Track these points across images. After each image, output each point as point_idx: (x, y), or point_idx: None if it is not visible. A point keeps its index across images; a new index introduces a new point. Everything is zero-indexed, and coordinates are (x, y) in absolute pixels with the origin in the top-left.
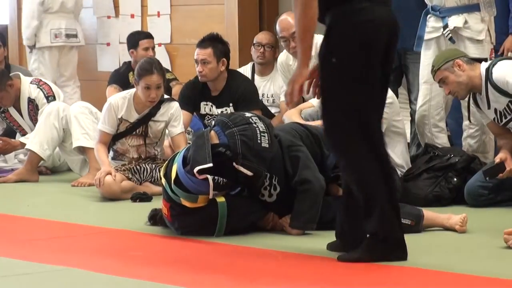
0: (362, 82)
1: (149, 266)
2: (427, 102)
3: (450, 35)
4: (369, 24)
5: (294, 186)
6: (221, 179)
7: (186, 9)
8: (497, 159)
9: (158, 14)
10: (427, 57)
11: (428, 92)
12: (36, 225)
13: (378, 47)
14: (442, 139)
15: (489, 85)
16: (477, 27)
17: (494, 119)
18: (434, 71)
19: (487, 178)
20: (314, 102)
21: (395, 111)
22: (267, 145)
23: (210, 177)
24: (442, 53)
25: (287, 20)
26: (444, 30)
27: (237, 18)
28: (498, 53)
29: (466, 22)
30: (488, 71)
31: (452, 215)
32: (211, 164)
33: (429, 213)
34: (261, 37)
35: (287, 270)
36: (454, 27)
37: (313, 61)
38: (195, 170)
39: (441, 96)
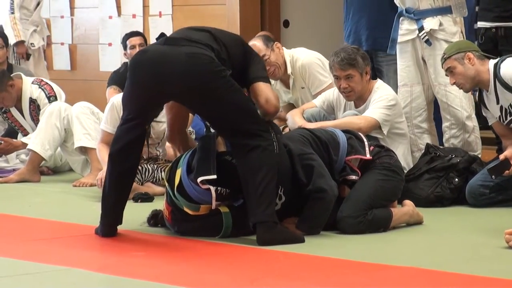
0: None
1: (150, 266)
2: (408, 104)
3: (427, 37)
4: (131, 61)
5: (308, 193)
6: (224, 189)
7: (187, 9)
8: (501, 157)
9: (160, 14)
10: (404, 60)
11: (408, 94)
12: (37, 225)
13: (136, 83)
14: (425, 140)
15: (496, 81)
16: (451, 29)
17: (499, 117)
18: (444, 58)
19: (492, 176)
20: (317, 102)
21: (397, 112)
22: None
23: (212, 188)
24: (456, 43)
25: (254, 46)
26: (420, 32)
27: (238, 18)
28: None
29: (441, 24)
30: (496, 66)
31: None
32: (215, 176)
33: (397, 214)
34: None
35: (287, 270)
36: (430, 30)
37: (292, 78)
38: (199, 180)
39: (422, 98)
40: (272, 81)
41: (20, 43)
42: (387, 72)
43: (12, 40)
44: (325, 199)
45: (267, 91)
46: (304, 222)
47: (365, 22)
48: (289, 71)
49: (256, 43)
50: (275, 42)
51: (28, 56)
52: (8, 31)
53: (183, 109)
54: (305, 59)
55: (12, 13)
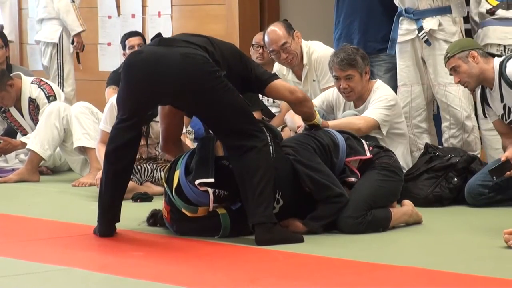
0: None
1: (149, 266)
2: (407, 104)
3: (426, 37)
4: (125, 62)
5: (327, 198)
6: (222, 191)
7: (187, 9)
8: (502, 158)
9: (159, 14)
10: (403, 60)
11: (408, 94)
12: (37, 225)
13: (130, 84)
14: (425, 140)
15: (502, 79)
16: (451, 29)
17: (501, 115)
18: (448, 57)
19: (494, 177)
20: (316, 102)
21: (397, 113)
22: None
23: (210, 190)
24: (459, 41)
25: (275, 32)
26: (419, 32)
27: (237, 18)
28: None
29: (440, 24)
30: (502, 65)
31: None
32: (212, 180)
33: (396, 214)
34: (260, 37)
35: (287, 270)
36: (430, 29)
37: (306, 68)
38: (196, 182)
39: (421, 97)
40: (285, 71)
41: (79, 33)
42: (377, 72)
43: (77, 29)
44: (342, 202)
45: (285, 85)
46: (315, 220)
47: (357, 26)
48: (304, 61)
49: (278, 30)
50: (295, 31)
51: (83, 48)
52: (72, 19)
53: (176, 119)
54: (322, 52)
55: (73, 1)
